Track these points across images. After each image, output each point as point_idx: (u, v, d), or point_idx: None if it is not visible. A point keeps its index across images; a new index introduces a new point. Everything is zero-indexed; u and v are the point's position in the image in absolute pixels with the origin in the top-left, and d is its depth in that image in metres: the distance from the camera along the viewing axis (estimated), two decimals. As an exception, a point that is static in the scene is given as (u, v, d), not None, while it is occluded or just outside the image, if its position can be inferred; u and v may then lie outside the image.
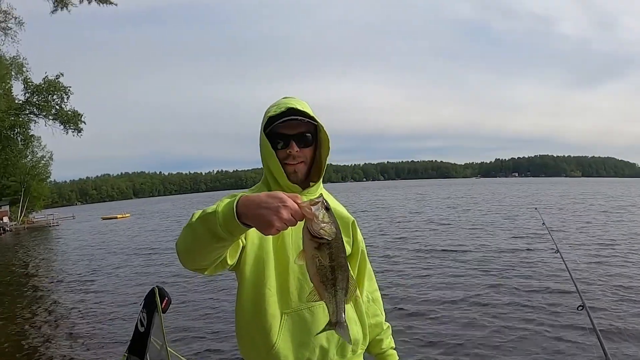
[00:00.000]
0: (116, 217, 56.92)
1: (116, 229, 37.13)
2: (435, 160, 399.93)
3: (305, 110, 1.92)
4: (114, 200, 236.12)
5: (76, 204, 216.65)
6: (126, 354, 3.98)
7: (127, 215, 60.05)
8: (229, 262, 1.77)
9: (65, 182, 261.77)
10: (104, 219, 57.05)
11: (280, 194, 1.41)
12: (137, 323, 3.92)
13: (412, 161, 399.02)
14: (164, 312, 3.74)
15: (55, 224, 53.87)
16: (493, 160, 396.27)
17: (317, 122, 1.95)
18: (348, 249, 2.04)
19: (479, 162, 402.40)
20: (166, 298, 3.77)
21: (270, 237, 1.85)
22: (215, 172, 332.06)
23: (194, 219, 1.56)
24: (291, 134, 1.93)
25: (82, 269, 16.22)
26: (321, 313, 1.91)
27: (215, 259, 1.64)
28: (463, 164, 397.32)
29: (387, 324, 2.32)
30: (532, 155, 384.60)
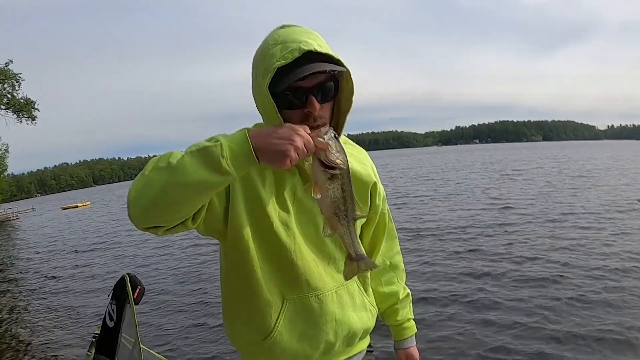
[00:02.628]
0: (77, 206, 56.33)
1: (77, 217, 36.53)
2: (396, 131, 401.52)
3: (327, 52, 1.45)
4: (74, 190, 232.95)
5: (36, 196, 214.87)
6: (90, 353, 3.40)
7: (87, 203, 59.63)
8: (193, 221, 1.45)
9: (23, 174, 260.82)
10: (64, 208, 56.38)
11: (289, 124, 1.35)
12: (105, 317, 3.41)
13: (373, 132, 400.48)
14: (136, 303, 3.30)
15: (15, 218, 52.76)
16: (454, 128, 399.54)
17: (343, 66, 1.47)
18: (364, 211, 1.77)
19: (440, 130, 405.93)
20: (139, 287, 3.33)
21: (275, 206, 1.60)
22: None
23: (173, 159, 1.29)
24: (309, 86, 1.46)
25: (43, 262, 15.81)
26: (330, 302, 1.70)
27: (190, 211, 1.39)
28: (424, 133, 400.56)
29: (407, 291, 2.09)
30: (493, 122, 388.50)
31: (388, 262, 2.02)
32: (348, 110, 1.60)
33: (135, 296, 3.31)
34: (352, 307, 1.78)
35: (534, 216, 14.04)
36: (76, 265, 14.43)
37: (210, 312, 7.89)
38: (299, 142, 1.28)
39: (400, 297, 2.04)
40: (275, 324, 1.63)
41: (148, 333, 7.09)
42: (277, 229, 1.60)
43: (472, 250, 10.19)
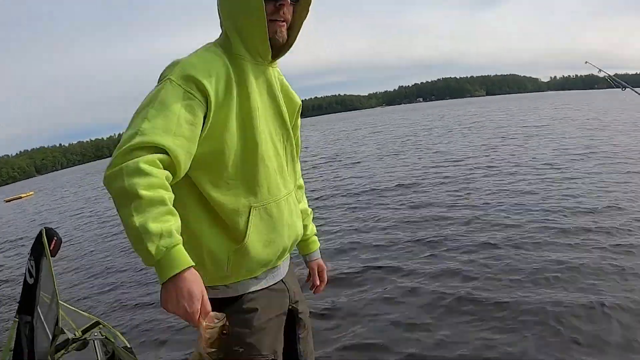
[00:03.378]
0: (20, 197, 54.52)
1: (23, 208, 35.10)
2: (339, 94, 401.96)
3: None
4: (17, 181, 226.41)
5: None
6: (17, 318, 3.22)
7: (30, 193, 57.86)
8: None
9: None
10: (7, 201, 54.32)
11: (196, 305, 1.43)
12: (25, 275, 3.26)
13: (316, 97, 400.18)
14: (53, 255, 3.10)
15: (-44, 218, 50.62)
16: (397, 87, 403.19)
17: None
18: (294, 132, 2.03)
19: (383, 91, 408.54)
20: (55, 238, 3.13)
21: (237, 118, 1.73)
22: (117, 135, 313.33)
23: (135, 219, 1.38)
24: None
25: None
26: (284, 209, 1.92)
27: None
28: (367, 94, 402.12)
29: (310, 209, 2.36)
30: (435, 79, 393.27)
31: (298, 181, 2.20)
32: (304, 19, 1.86)
33: (51, 248, 3.10)
34: (296, 214, 2.05)
35: (482, 168, 14.03)
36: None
37: (134, 268, 8.40)
38: (190, 318, 1.43)
39: (309, 213, 2.34)
40: (246, 232, 1.77)
41: (72, 293, 7.43)
42: (259, 136, 1.78)
43: (423, 203, 10.11)
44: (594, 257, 5.90)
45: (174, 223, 1.45)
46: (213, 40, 1.87)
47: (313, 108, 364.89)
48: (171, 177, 1.54)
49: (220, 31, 1.88)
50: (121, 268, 8.94)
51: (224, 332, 1.49)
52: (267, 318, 1.95)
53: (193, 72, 1.62)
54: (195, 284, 1.44)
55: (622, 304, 4.59)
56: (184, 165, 1.59)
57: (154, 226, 1.38)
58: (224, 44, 1.81)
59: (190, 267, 1.44)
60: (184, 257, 1.43)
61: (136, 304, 6.81)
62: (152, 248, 1.37)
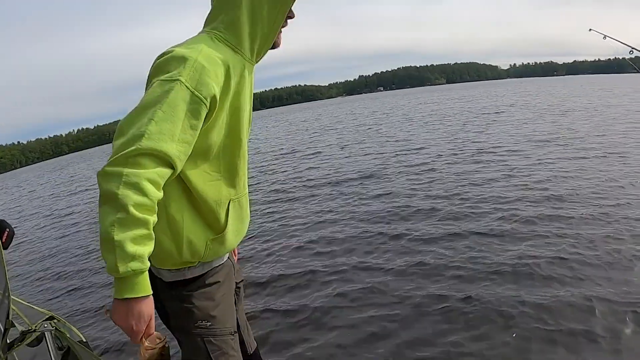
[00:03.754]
0: None
1: None
2: (299, 85, 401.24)
3: None
4: None
5: None
6: None
7: None
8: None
9: None
10: None
11: (142, 327, 1.54)
12: None
13: (276, 88, 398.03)
14: (5, 247, 3.00)
15: None
16: (357, 77, 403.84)
17: None
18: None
19: (343, 81, 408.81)
20: (7, 230, 3.04)
21: (227, 115, 1.82)
22: (76, 131, 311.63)
23: (115, 231, 1.43)
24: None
25: None
26: (246, 202, 2.14)
27: None
28: (327, 84, 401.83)
29: None
30: (396, 68, 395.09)
31: None
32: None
33: (3, 240, 2.98)
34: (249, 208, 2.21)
35: (444, 156, 13.97)
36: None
37: (88, 259, 8.42)
38: (133, 336, 1.56)
39: None
40: (226, 222, 1.94)
41: (28, 290, 7.32)
42: (243, 133, 1.93)
43: (385, 194, 9.92)
44: (558, 248, 5.84)
45: (149, 248, 1.51)
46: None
47: (273, 99, 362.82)
48: (166, 179, 1.60)
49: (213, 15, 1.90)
50: (79, 268, 8.63)
51: (163, 353, 1.60)
52: (225, 290, 2.12)
53: (204, 76, 1.64)
54: (147, 308, 1.55)
55: (591, 295, 4.53)
56: (181, 168, 1.67)
57: (130, 247, 1.44)
58: (227, 37, 1.83)
59: (148, 295, 1.54)
60: (145, 285, 1.52)
61: (93, 301, 6.63)
62: (120, 265, 1.44)
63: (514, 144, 14.61)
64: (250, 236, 7.86)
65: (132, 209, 1.43)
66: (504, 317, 4.36)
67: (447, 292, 5.02)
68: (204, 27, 1.92)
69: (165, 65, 1.65)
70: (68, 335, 3.01)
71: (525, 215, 7.26)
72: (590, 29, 8.08)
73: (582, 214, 7.08)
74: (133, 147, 1.47)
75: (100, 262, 8.20)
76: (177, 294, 1.98)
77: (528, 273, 5.23)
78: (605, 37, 7.73)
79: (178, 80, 1.59)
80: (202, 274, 2.00)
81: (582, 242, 5.98)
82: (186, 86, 1.59)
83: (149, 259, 1.55)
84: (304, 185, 12.24)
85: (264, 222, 8.89)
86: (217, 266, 2.07)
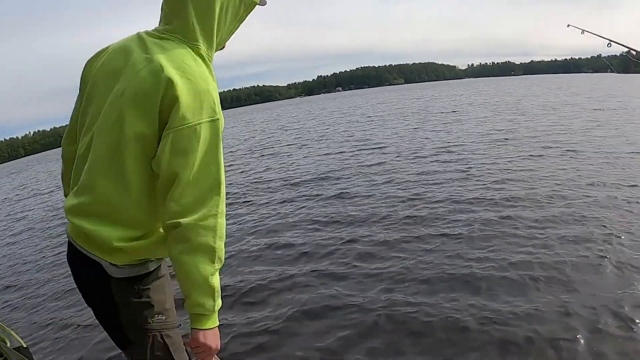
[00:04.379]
0: None
1: None
2: (258, 85, 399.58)
3: None
4: None
5: None
6: None
7: None
8: None
9: None
10: None
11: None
12: None
13: (235, 89, 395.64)
14: None
15: None
16: (315, 77, 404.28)
17: None
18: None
19: (302, 81, 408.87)
20: None
21: None
22: (32, 133, 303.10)
23: (211, 280, 1.79)
24: None
25: None
26: None
27: None
28: (286, 85, 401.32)
29: None
30: (354, 68, 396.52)
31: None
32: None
33: None
34: None
35: (403, 155, 13.96)
36: None
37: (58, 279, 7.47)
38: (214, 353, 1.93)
39: None
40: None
41: None
42: None
43: (344, 196, 9.78)
44: (519, 251, 5.82)
45: None
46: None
47: (232, 100, 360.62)
48: None
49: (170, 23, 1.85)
50: (30, 277, 8.23)
51: None
52: (169, 283, 2.13)
53: (218, 109, 1.81)
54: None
55: (557, 300, 4.53)
56: None
57: (218, 286, 1.83)
58: (199, 52, 1.83)
59: None
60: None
61: (38, 306, 6.40)
62: (216, 305, 1.84)
63: (472, 143, 14.68)
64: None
65: (223, 258, 1.81)
66: (465, 324, 4.28)
67: (406, 299, 4.90)
68: (166, 24, 1.85)
69: (199, 99, 1.72)
70: (7, 342, 2.91)
71: (486, 217, 7.22)
72: (568, 25, 8.18)
73: (543, 215, 7.07)
74: (217, 200, 1.79)
75: (52, 272, 8.01)
76: (134, 289, 1.93)
77: (486, 277, 5.17)
78: (583, 31, 7.82)
79: (214, 120, 1.77)
80: (157, 266, 2.02)
81: (545, 243, 5.95)
82: (215, 124, 1.78)
83: (109, 262, 1.82)
84: (260, 187, 11.98)
85: None
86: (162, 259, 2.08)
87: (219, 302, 1.84)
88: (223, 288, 5.77)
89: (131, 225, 1.82)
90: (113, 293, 1.87)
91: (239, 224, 8.69)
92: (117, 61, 1.81)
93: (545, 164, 10.57)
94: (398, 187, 9.88)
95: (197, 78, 1.72)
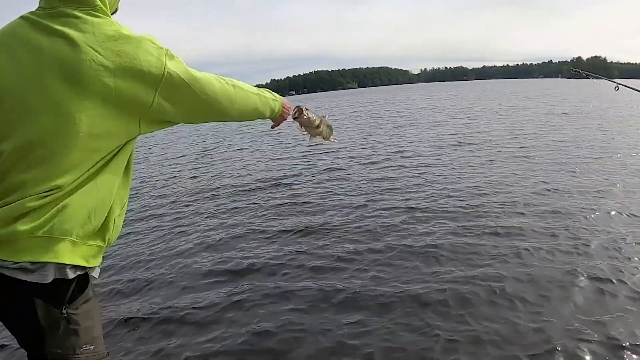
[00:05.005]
0: None
1: None
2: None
3: None
4: None
5: None
6: None
7: None
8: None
9: None
10: None
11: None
12: None
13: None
14: None
15: None
16: (269, 81, 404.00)
17: None
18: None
19: (255, 84, 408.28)
20: None
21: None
22: None
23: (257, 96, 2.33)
24: None
25: None
26: None
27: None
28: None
29: None
30: (308, 72, 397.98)
31: None
32: None
33: None
34: None
35: (355, 160, 13.80)
36: None
37: None
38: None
39: None
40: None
41: None
42: None
43: (295, 202, 9.53)
44: (477, 264, 5.72)
45: None
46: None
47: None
48: None
49: None
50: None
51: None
52: (98, 308, 1.91)
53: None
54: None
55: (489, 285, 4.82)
56: None
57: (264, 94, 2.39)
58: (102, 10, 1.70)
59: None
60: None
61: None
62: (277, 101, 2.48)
63: (426, 149, 14.63)
64: (119, 263, 6.86)
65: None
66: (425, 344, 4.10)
67: (359, 319, 4.69)
68: None
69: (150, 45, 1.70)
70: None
71: (444, 228, 7.07)
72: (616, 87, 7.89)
73: (501, 224, 7.01)
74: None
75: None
76: (60, 314, 1.68)
77: (442, 292, 5.04)
78: (617, 87, 7.56)
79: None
80: (86, 285, 1.78)
81: (506, 253, 5.89)
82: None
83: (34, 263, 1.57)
84: (210, 195, 11.37)
85: (146, 244, 7.87)
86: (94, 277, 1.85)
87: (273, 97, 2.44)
88: (166, 309, 5.54)
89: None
90: (39, 315, 1.63)
91: (185, 237, 8.08)
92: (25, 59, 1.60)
93: (500, 171, 10.53)
94: (350, 195, 9.66)
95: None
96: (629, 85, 7.22)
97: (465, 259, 5.87)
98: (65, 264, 1.63)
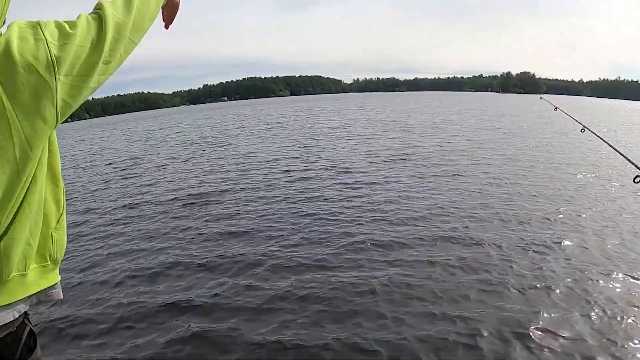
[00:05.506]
0: None
1: None
2: (143, 92, 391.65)
3: None
4: None
5: None
6: None
7: None
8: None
9: None
10: None
11: None
12: None
13: (119, 95, 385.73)
14: None
15: None
16: (202, 86, 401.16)
17: None
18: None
19: (188, 89, 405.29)
20: None
21: None
22: None
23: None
24: None
25: None
26: None
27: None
28: (171, 92, 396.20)
29: None
30: (241, 79, 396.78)
31: None
32: None
33: None
34: None
35: (283, 172, 13.72)
36: None
37: None
38: None
39: None
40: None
41: None
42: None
43: (222, 215, 9.31)
44: (410, 272, 5.86)
45: None
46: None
47: (116, 106, 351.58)
48: None
49: None
50: None
51: None
52: None
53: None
54: None
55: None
56: None
57: None
58: None
59: None
60: None
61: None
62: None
63: (357, 161, 14.69)
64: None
65: None
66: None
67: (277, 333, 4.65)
68: None
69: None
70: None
71: (375, 238, 7.19)
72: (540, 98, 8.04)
73: (430, 235, 7.25)
74: None
75: None
76: None
77: (369, 307, 5.08)
78: (556, 108, 7.78)
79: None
80: (35, 344, 1.69)
81: (436, 263, 6.14)
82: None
83: None
84: (129, 205, 11.05)
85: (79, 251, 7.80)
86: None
87: None
88: (82, 317, 5.34)
89: None
90: None
91: (96, 248, 7.92)
92: None
93: (431, 185, 10.67)
94: (279, 206, 9.63)
95: None
96: (565, 112, 7.48)
97: (384, 260, 6.28)
98: (17, 301, 1.55)
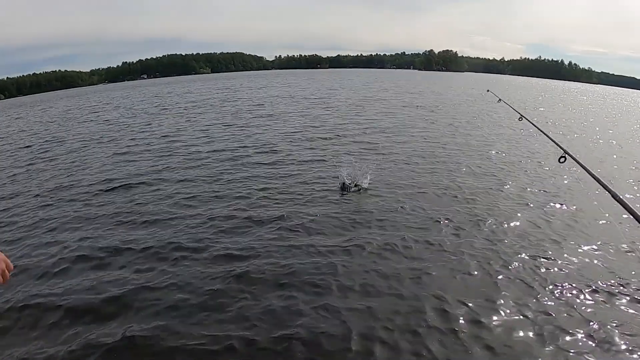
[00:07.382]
0: None
1: None
2: (59, 70, 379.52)
3: None
4: None
5: None
6: None
7: None
8: None
9: None
10: None
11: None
12: None
13: (35, 74, 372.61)
14: None
15: None
16: (120, 64, 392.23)
17: None
18: None
19: (106, 67, 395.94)
20: None
21: None
22: None
23: None
24: None
25: None
26: None
27: None
28: (89, 71, 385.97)
29: None
30: (161, 56, 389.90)
31: None
32: None
33: None
34: None
35: (205, 152, 13.72)
36: None
37: None
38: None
39: None
40: None
41: None
42: None
43: (127, 210, 8.84)
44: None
45: None
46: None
47: (31, 86, 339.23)
48: None
49: None
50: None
51: None
52: None
53: None
54: None
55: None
56: None
57: None
58: None
59: None
60: None
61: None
62: None
63: (281, 139, 14.92)
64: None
65: None
66: None
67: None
68: None
69: None
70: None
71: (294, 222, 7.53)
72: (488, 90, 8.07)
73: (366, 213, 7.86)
74: None
75: None
76: None
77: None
78: (500, 100, 8.03)
79: None
80: None
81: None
82: None
83: None
84: (42, 194, 10.60)
85: None
86: None
87: None
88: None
89: None
90: None
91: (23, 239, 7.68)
92: None
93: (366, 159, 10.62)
94: (201, 186, 9.74)
95: None
96: (506, 102, 8.17)
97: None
98: None
